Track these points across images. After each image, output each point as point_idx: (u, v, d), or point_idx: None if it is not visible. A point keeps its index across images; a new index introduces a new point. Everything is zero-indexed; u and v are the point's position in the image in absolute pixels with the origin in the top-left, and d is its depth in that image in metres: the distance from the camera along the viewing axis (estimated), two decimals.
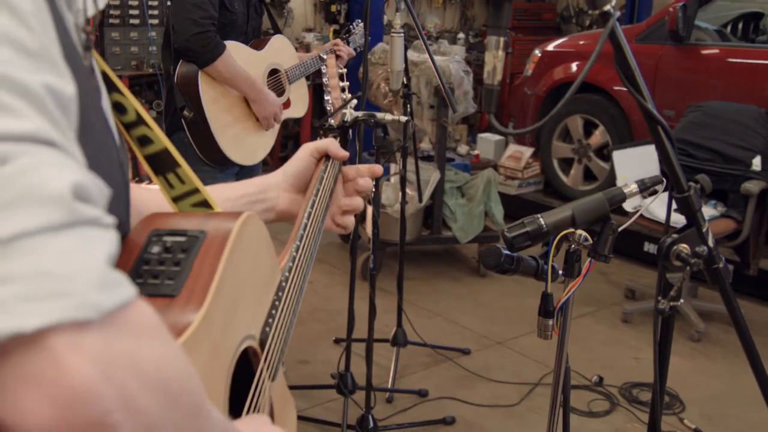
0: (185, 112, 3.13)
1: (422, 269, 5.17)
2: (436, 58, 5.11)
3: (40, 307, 0.52)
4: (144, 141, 0.94)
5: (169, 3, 3.19)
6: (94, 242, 0.55)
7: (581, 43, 6.44)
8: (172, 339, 0.63)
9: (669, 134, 1.22)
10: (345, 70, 1.65)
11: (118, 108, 0.91)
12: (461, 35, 8.85)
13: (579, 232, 1.39)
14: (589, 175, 6.11)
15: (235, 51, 3.18)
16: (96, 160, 0.68)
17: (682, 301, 1.26)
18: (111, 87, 0.88)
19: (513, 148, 6.50)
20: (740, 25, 6.23)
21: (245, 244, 0.87)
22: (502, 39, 1.15)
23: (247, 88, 3.22)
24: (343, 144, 1.47)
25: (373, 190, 3.14)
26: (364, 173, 1.36)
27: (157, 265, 0.78)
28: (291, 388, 3.78)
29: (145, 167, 0.97)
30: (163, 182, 0.97)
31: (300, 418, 3.34)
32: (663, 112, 5.53)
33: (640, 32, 5.79)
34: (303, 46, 7.34)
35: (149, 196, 1.01)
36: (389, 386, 3.62)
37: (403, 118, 2.93)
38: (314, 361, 3.90)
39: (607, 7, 1.19)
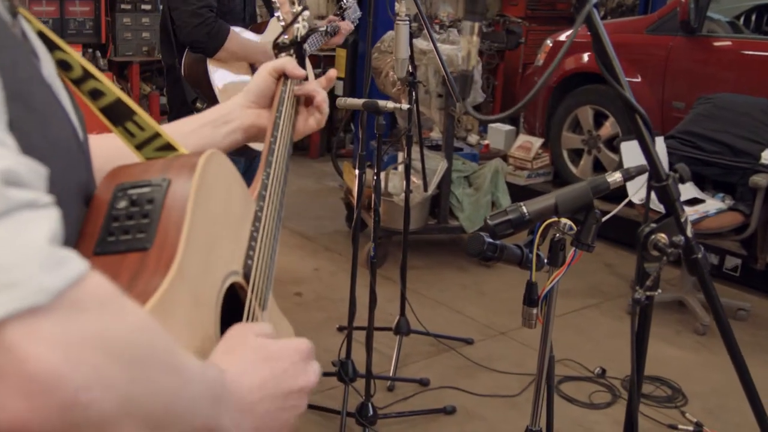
0: (198, 105, 3.08)
1: (428, 258, 5.17)
2: (446, 47, 5.10)
3: None
4: (96, 94, 0.93)
5: None
6: (32, 225, 0.55)
7: None
8: (132, 305, 0.63)
9: (647, 123, 1.21)
10: None
11: (64, 65, 0.89)
12: None
13: (564, 220, 1.38)
14: (598, 167, 6.08)
15: None
16: (42, 131, 0.68)
17: (659, 291, 1.26)
18: (52, 46, 0.87)
19: (523, 138, 6.48)
20: (753, 17, 6.17)
21: (211, 183, 0.87)
22: (476, 25, 1.14)
23: (261, 56, 3.17)
24: (300, 60, 1.43)
25: (375, 178, 3.13)
26: (316, 89, 1.33)
27: (127, 220, 0.79)
28: None
29: (103, 120, 0.96)
30: (123, 132, 0.96)
31: None
32: (673, 104, 5.51)
33: (651, 23, 5.75)
34: None
35: (107, 144, 1.00)
36: (391, 375, 3.62)
37: (405, 106, 2.93)
38: (317, 348, 3.87)
39: None
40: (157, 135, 0.96)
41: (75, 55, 0.90)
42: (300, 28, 1.53)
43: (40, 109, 0.70)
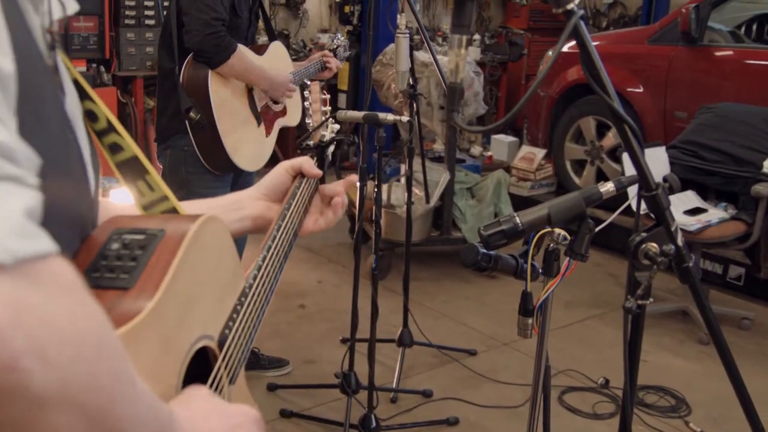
0: (191, 114, 3.06)
1: (431, 270, 5.18)
2: (447, 59, 5.13)
3: None
4: (115, 149, 0.96)
5: (166, 3, 3.17)
6: (13, 195, 0.57)
7: (596, 44, 6.40)
8: (92, 302, 0.63)
9: (636, 133, 1.22)
10: (328, 96, 1.66)
11: (90, 116, 0.93)
12: (477, 36, 8.84)
13: (558, 230, 1.39)
14: (601, 177, 6.08)
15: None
16: (48, 152, 0.69)
17: (651, 300, 1.27)
18: (83, 95, 0.90)
19: (526, 149, 6.50)
20: (754, 27, 6.18)
21: (204, 244, 0.89)
22: (464, 38, 1.16)
23: (259, 80, 3.21)
24: (320, 163, 1.48)
25: (375, 190, 3.14)
26: (339, 190, 1.39)
27: (115, 261, 0.81)
28: (295, 387, 3.77)
29: (117, 175, 0.98)
30: (133, 190, 0.99)
31: (303, 416, 3.36)
32: (675, 114, 5.52)
33: (652, 33, 5.77)
34: (318, 47, 7.36)
35: (123, 208, 1.04)
36: (394, 386, 3.63)
37: (405, 119, 2.94)
38: (321, 360, 3.91)
39: (570, 6, 1.19)
40: (165, 198, 0.99)
41: (103, 107, 0.93)
42: (326, 134, 1.59)
43: (48, 127, 0.72)
